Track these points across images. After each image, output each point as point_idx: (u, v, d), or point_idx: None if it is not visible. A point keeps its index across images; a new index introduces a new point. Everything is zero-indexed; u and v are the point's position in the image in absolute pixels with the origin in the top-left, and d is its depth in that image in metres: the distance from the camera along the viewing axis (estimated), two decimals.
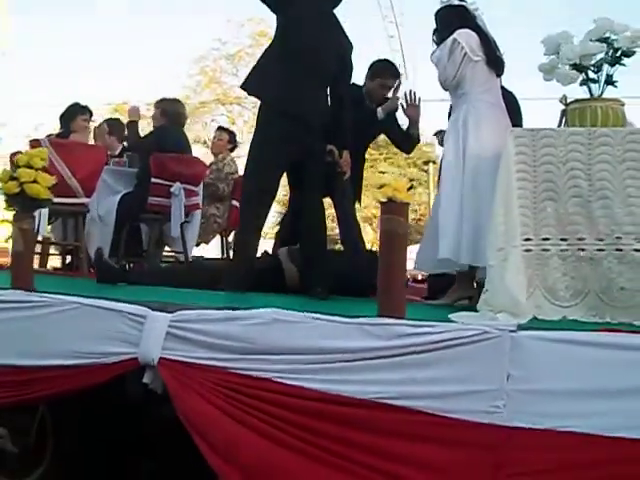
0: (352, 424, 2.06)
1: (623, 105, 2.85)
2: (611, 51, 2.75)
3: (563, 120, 2.95)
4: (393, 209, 2.18)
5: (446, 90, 3.39)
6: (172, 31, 31.47)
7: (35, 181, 2.68)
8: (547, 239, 2.62)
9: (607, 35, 2.75)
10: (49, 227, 4.60)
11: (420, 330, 2.10)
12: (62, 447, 2.89)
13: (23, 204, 2.69)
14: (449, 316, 2.35)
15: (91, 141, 4.84)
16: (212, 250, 5.73)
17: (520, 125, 3.78)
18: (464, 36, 3.28)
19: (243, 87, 3.27)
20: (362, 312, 2.29)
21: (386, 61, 4.35)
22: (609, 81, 2.85)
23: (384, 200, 2.16)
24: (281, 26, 3.26)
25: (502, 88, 3.51)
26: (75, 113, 4.65)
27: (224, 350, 2.30)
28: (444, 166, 3.41)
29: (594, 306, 2.55)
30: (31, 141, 4.08)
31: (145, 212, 4.33)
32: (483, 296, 2.54)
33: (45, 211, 3.88)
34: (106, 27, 34.39)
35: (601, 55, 2.78)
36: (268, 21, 20.55)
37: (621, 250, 2.51)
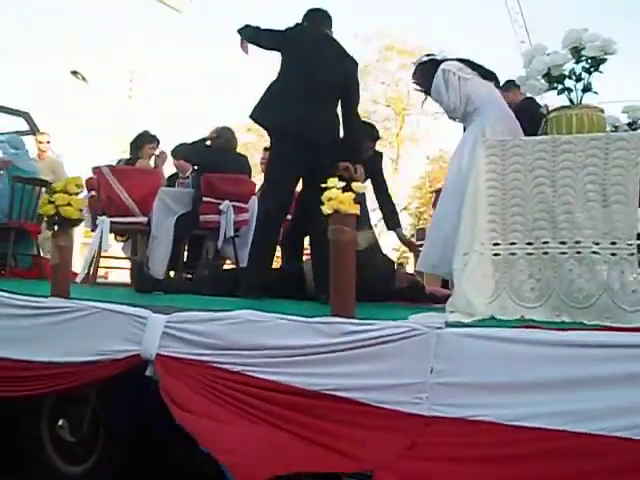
0: (300, 411, 2.35)
1: (602, 111, 2.94)
2: (583, 60, 2.85)
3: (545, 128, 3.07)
4: (339, 220, 2.45)
5: (457, 119, 3.61)
6: None
7: (69, 204, 3.18)
8: (514, 243, 2.77)
9: (576, 45, 2.86)
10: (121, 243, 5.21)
11: (361, 328, 2.36)
12: (111, 436, 3.33)
13: (59, 224, 3.20)
14: (409, 316, 2.58)
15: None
16: None
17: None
18: (448, 65, 3.52)
19: (250, 116, 3.62)
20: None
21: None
22: (586, 89, 2.94)
23: (330, 212, 2.43)
24: (282, 60, 3.60)
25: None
26: (143, 141, 5.25)
27: (206, 347, 2.67)
28: (449, 177, 3.61)
29: (557, 307, 2.66)
30: (93, 168, 4.69)
31: (198, 229, 4.81)
32: (450, 299, 2.73)
33: (107, 228, 4.45)
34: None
35: (572, 65, 2.89)
36: (395, 35, 20.99)
37: (580, 253, 2.62)
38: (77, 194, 3.28)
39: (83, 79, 19.69)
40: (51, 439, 3.55)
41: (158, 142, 5.33)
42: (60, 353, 3.02)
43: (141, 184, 4.61)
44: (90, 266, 4.63)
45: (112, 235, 5.08)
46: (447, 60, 3.68)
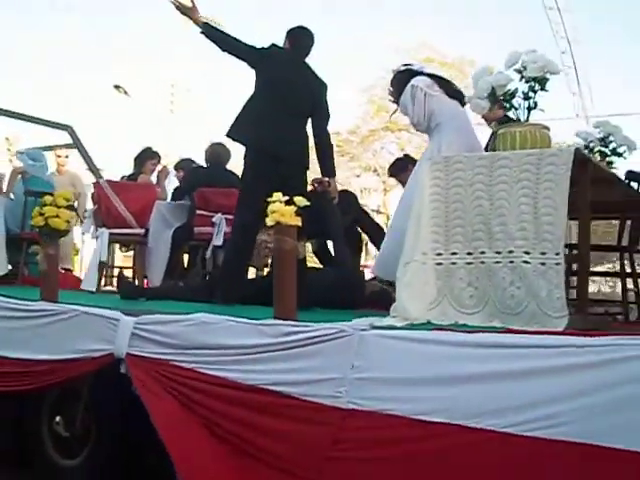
0: (241, 405, 2.61)
1: (546, 128, 3.12)
2: (523, 80, 3.06)
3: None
4: (281, 231, 2.70)
5: (423, 131, 3.84)
6: (341, 62, 32.88)
7: (57, 216, 3.51)
8: (455, 253, 2.98)
9: (517, 67, 3.07)
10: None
11: (297, 329, 2.60)
12: (102, 431, 3.58)
13: (48, 234, 3.52)
14: (352, 320, 2.80)
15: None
16: None
17: None
18: (417, 80, 3.75)
19: (226, 134, 3.91)
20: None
21: None
22: (531, 107, 3.14)
23: (272, 224, 2.69)
24: (257, 78, 3.88)
25: None
26: (145, 157, 5.61)
27: (168, 346, 2.95)
28: (405, 189, 3.85)
29: (492, 313, 2.86)
30: (93, 183, 5.05)
31: (193, 240, 5.12)
32: (394, 304, 2.95)
33: (106, 239, 4.78)
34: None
35: (517, 84, 3.09)
36: (436, 47, 21.16)
37: (513, 262, 2.81)
38: (67, 207, 3.60)
39: (125, 93, 20.32)
40: (49, 435, 3.85)
41: (159, 158, 5.67)
42: (43, 352, 3.33)
43: (138, 198, 4.95)
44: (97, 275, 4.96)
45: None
46: (421, 73, 3.91)
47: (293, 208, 2.67)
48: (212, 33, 3.78)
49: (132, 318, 3.11)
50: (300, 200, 2.70)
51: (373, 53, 37.22)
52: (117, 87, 20.17)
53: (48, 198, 3.57)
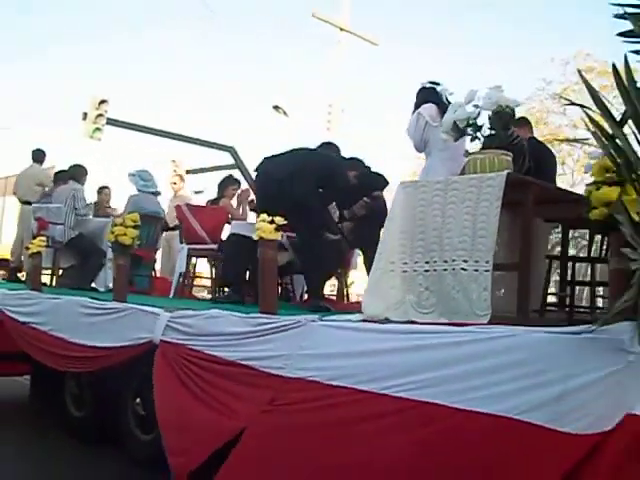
0: (222, 375, 3.46)
1: (507, 155, 3.69)
2: (478, 113, 3.67)
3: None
4: (264, 244, 3.53)
5: (419, 152, 4.52)
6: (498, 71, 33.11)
7: (125, 234, 4.57)
8: (417, 262, 3.63)
9: (474, 102, 3.68)
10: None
11: (268, 321, 3.43)
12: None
13: (118, 249, 4.59)
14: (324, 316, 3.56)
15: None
16: None
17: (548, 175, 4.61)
18: (426, 109, 4.42)
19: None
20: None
21: None
22: (490, 136, 3.73)
23: (257, 238, 3.53)
24: None
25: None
26: (227, 184, 6.67)
27: (187, 334, 3.88)
28: None
29: (442, 312, 3.48)
30: (175, 206, 6.14)
31: None
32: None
33: (185, 253, 5.84)
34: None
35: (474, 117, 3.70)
36: (594, 55, 20.93)
37: (455, 269, 3.43)
38: (134, 227, 4.65)
39: (284, 113, 21.53)
40: (132, 414, 4.90)
41: (239, 184, 6.69)
42: (109, 340, 4.39)
43: (211, 218, 5.97)
44: (177, 283, 6.05)
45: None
46: (443, 93, 4.54)
47: (273, 226, 3.48)
48: None
49: (168, 313, 4.06)
50: (279, 220, 3.50)
51: (528, 65, 36.83)
52: (276, 107, 21.39)
53: (118, 219, 4.64)
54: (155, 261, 7.50)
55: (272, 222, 3.51)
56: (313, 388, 3.00)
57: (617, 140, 2.37)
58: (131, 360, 4.23)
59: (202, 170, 15.10)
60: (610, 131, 2.39)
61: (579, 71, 2.67)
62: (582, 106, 2.30)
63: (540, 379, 2.39)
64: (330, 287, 7.96)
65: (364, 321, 3.25)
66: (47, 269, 6.75)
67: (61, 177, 7.25)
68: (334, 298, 6.49)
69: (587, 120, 2.43)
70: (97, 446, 5.09)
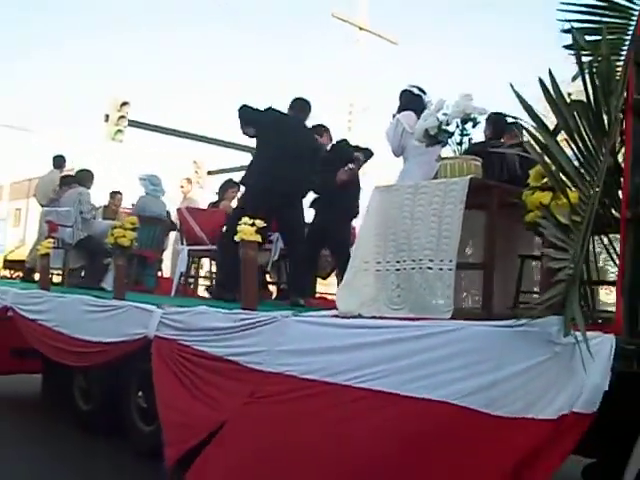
0: (208, 369, 3.75)
1: (477, 160, 3.92)
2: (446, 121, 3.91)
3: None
4: (245, 245, 3.82)
5: (397, 156, 4.76)
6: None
7: (124, 236, 4.88)
8: (389, 262, 3.88)
9: (444, 111, 3.93)
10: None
11: (247, 316, 3.72)
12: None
13: (118, 250, 4.91)
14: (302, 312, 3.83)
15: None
16: None
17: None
18: (405, 117, 4.68)
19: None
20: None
21: None
22: (462, 142, 3.97)
23: (239, 240, 3.81)
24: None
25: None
26: (227, 187, 6.99)
27: (177, 329, 4.17)
28: None
29: (412, 309, 3.72)
30: (177, 209, 6.46)
31: None
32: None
33: (185, 254, 6.15)
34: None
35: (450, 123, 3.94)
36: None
37: (422, 268, 3.68)
38: (132, 229, 4.96)
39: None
40: (135, 407, 5.22)
41: (239, 187, 6.98)
42: (104, 335, 4.70)
43: (209, 220, 6.27)
44: (179, 282, 6.36)
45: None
46: (421, 97, 4.82)
47: (254, 228, 3.76)
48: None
49: (160, 310, 4.36)
50: (259, 223, 3.79)
51: None
52: None
53: (118, 222, 4.95)
54: (161, 261, 7.83)
55: (253, 225, 3.79)
56: (289, 382, 3.28)
57: (550, 149, 2.62)
58: (130, 355, 4.54)
59: (223, 171, 15.37)
60: (543, 141, 2.63)
61: (511, 85, 2.82)
62: (515, 118, 2.52)
63: (476, 368, 2.65)
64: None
65: (335, 317, 3.51)
66: (58, 269, 7.11)
67: (67, 181, 7.64)
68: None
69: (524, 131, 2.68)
70: (104, 438, 5.41)
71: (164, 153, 19.38)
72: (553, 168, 2.65)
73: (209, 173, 16.31)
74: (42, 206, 8.55)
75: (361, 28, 20.60)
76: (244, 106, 5.22)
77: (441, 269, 3.61)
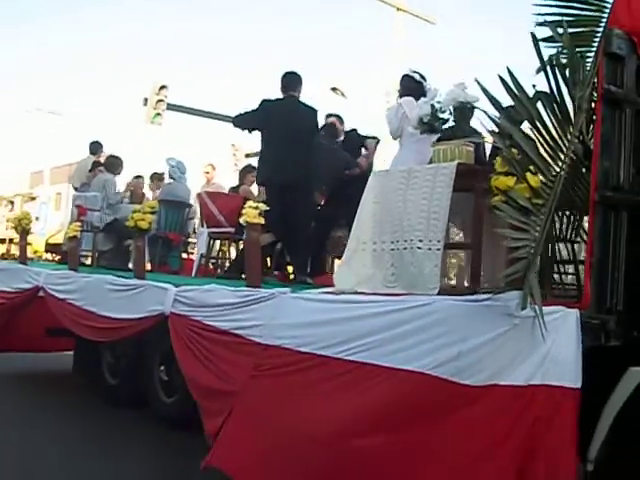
0: (217, 342, 4.06)
1: (469, 146, 4.13)
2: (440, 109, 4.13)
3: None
4: (250, 227, 4.11)
5: (394, 139, 5.00)
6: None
7: (143, 219, 5.22)
8: (384, 242, 4.14)
9: (436, 99, 4.15)
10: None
11: (250, 293, 4.02)
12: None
13: (137, 232, 5.25)
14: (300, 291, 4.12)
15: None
16: None
17: None
18: (406, 102, 4.89)
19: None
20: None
21: None
22: (454, 128, 4.19)
23: (244, 223, 4.11)
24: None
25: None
26: (246, 172, 7.29)
27: (189, 305, 4.50)
28: None
29: (404, 286, 3.98)
30: (196, 194, 6.79)
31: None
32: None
33: (205, 235, 6.48)
34: None
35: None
36: None
37: (412, 248, 3.93)
38: (151, 213, 5.30)
39: (342, 95, 21.69)
40: (158, 379, 5.60)
41: None
42: (130, 312, 5.06)
43: (228, 204, 6.58)
44: (200, 263, 6.70)
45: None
46: (422, 84, 5.05)
47: (257, 211, 4.06)
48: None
49: (175, 288, 4.69)
50: (262, 205, 4.08)
51: None
52: (334, 89, 21.55)
53: (137, 208, 5.29)
54: (187, 243, 8.19)
55: (256, 208, 4.08)
56: (286, 354, 3.57)
57: (513, 137, 2.84)
58: (150, 330, 4.89)
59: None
60: (507, 131, 2.86)
61: (476, 80, 2.97)
62: (483, 110, 2.75)
63: (445, 340, 2.91)
64: None
65: (329, 293, 3.78)
66: (88, 251, 7.52)
67: (96, 167, 8.04)
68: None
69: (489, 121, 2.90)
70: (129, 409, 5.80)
71: (202, 136, 19.58)
72: (518, 155, 2.87)
73: (247, 156, 16.56)
74: (75, 190, 9.00)
75: (398, 9, 20.56)
76: (236, 117, 5.60)
77: (430, 249, 3.85)
